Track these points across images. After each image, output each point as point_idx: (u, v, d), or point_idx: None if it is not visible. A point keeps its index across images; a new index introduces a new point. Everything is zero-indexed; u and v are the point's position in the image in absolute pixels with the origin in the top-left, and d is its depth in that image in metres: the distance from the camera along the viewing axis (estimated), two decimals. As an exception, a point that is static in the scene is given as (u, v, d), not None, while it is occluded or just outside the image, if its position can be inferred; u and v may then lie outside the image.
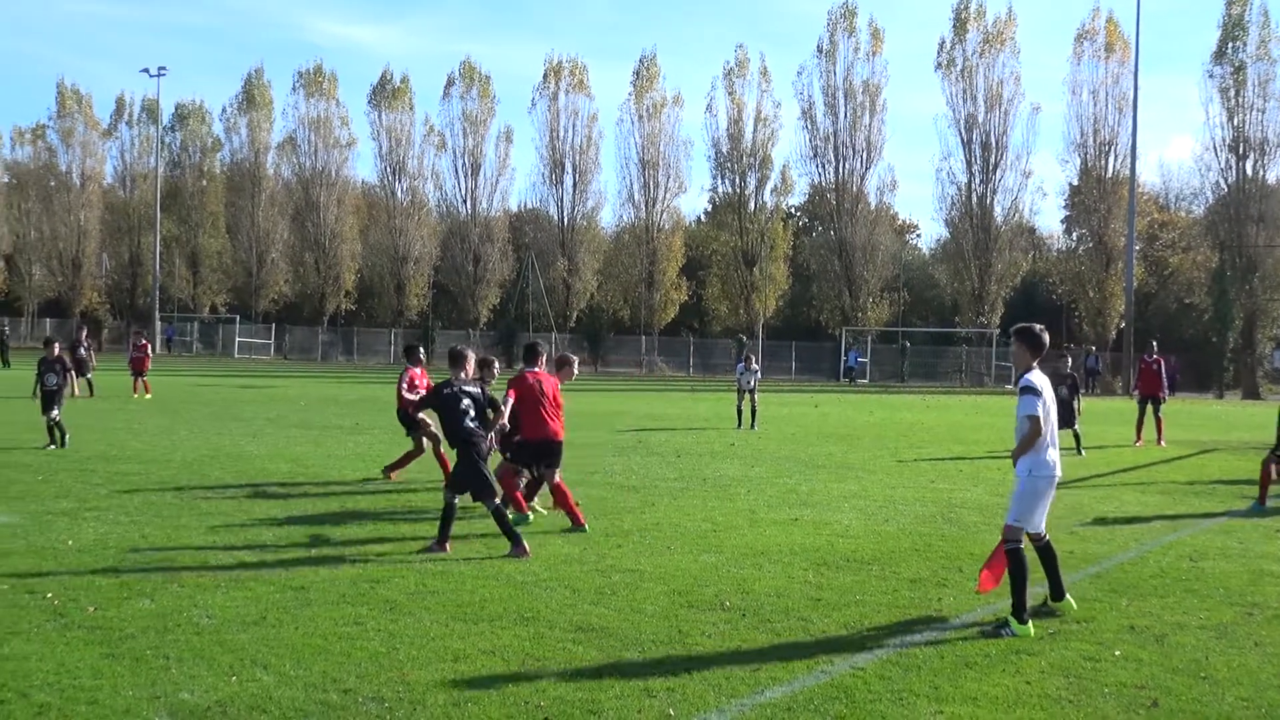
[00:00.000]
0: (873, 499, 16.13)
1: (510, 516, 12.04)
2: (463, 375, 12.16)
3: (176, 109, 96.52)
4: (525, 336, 75.52)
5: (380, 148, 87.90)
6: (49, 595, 9.15)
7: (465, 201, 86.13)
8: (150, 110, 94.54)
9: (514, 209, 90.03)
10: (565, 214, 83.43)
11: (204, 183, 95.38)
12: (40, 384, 20.71)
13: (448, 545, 11.44)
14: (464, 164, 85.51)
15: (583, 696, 6.98)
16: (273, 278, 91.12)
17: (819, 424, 31.39)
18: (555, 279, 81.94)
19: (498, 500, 11.78)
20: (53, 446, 19.98)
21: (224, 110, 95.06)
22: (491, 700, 6.87)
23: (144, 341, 38.64)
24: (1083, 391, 23.41)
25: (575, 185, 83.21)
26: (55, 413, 20.33)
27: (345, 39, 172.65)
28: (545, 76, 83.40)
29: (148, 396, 35.02)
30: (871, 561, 11.45)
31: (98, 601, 9.01)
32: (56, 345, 21.24)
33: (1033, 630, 8.68)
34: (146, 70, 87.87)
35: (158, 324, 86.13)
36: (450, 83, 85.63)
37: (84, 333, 37.10)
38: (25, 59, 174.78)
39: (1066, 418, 23.40)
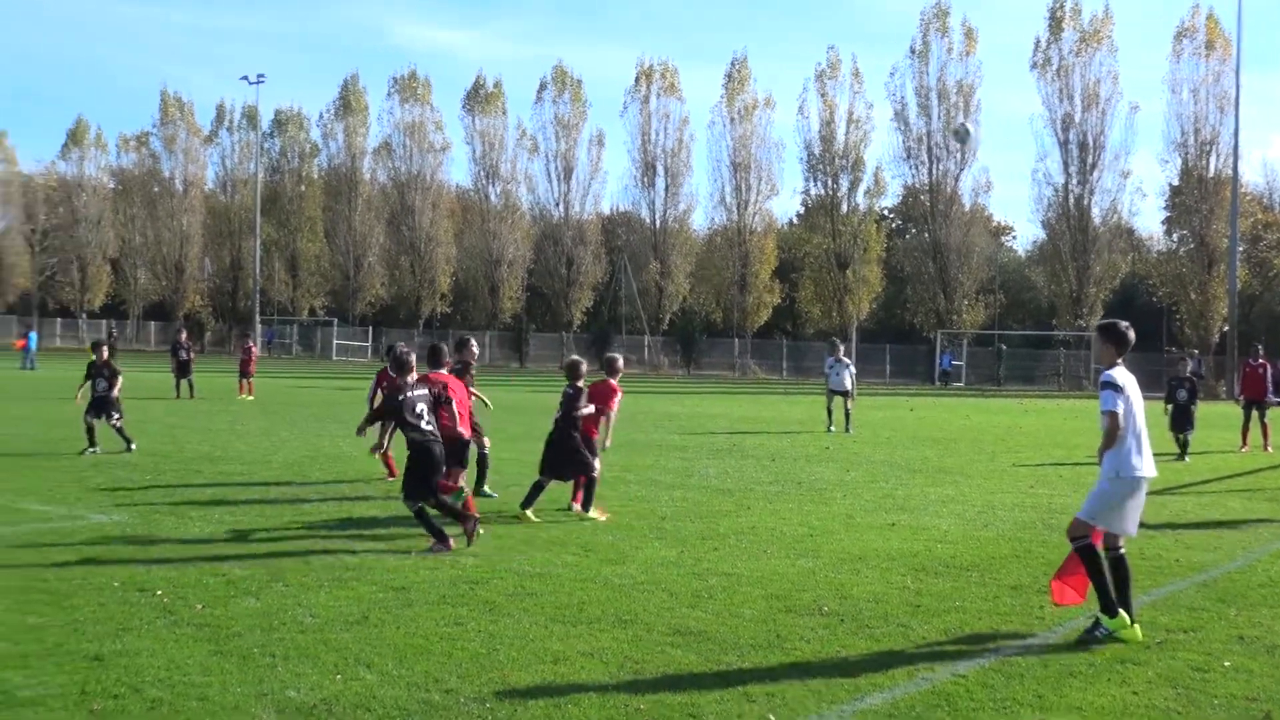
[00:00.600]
0: (970, 504, 15.95)
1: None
2: (410, 379, 12.19)
3: (275, 115, 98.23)
4: (619, 339, 75.80)
5: (474, 152, 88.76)
6: (158, 593, 9.35)
7: (558, 205, 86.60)
8: (250, 117, 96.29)
9: (606, 212, 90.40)
10: (657, 217, 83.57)
11: (302, 188, 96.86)
12: (92, 388, 20.29)
13: (451, 541, 11.56)
14: (556, 168, 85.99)
15: (682, 700, 6.98)
16: (369, 281, 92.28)
17: (914, 428, 31.12)
18: (648, 282, 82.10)
19: (421, 505, 11.72)
20: (93, 450, 19.35)
21: (321, 116, 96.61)
22: (591, 702, 6.90)
23: (250, 344, 39.42)
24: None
25: (667, 188, 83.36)
26: (116, 419, 19.98)
27: (438, 44, 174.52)
28: (636, 80, 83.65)
29: (250, 398, 35.65)
30: (971, 567, 11.33)
31: (205, 599, 9.19)
32: (105, 349, 20.90)
33: (1131, 624, 8.51)
34: (246, 78, 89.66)
35: (258, 326, 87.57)
36: (543, 87, 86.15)
37: (185, 335, 37.82)
38: (131, 69, 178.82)
39: (1184, 421, 22.95)
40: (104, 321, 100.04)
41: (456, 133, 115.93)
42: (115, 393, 20.17)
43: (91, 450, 19.38)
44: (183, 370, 35.95)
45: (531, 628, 8.60)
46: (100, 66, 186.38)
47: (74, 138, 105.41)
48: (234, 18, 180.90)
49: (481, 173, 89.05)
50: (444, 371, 13.46)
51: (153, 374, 49.37)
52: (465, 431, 13.21)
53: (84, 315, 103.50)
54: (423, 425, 11.81)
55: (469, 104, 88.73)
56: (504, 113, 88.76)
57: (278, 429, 25.51)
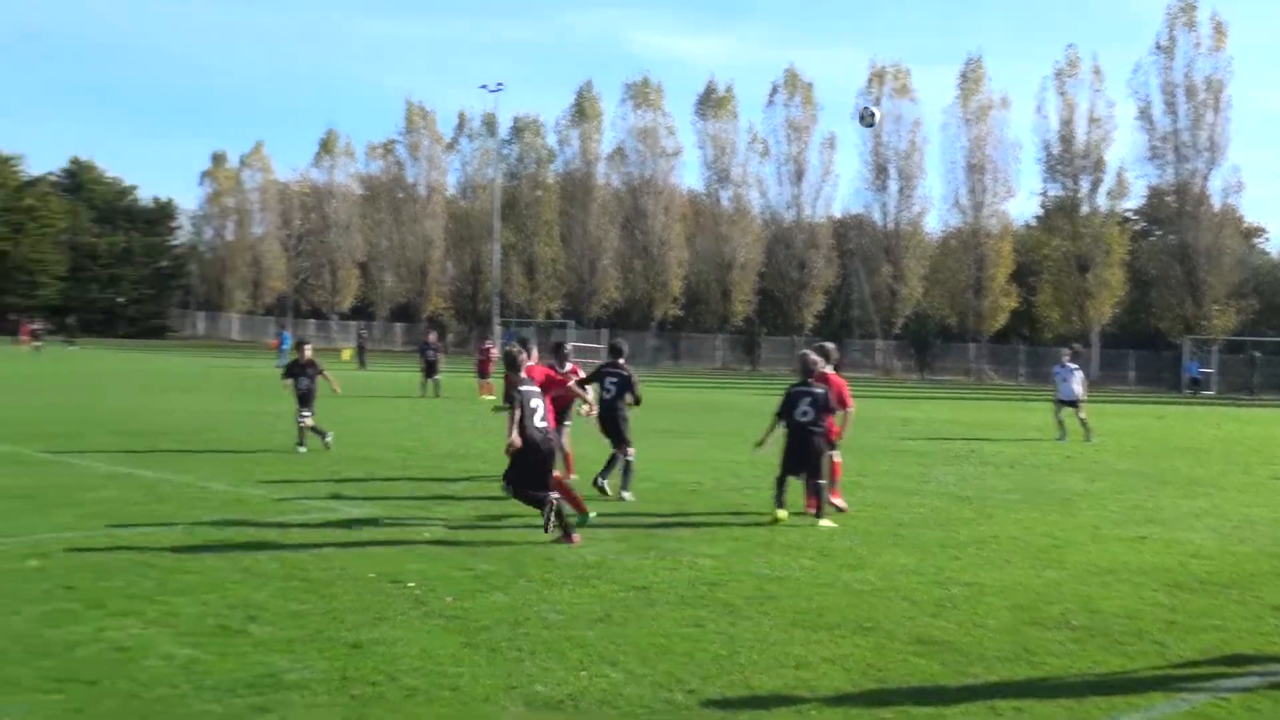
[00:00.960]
0: (1226, 517, 15.24)
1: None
2: (523, 375, 12.60)
3: (514, 122, 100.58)
4: (852, 343, 75.09)
5: (705, 156, 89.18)
6: (410, 584, 9.69)
7: (789, 208, 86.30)
8: (489, 124, 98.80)
9: (838, 215, 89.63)
10: (890, 219, 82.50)
11: (539, 192, 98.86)
12: (295, 386, 20.54)
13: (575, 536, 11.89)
14: (788, 171, 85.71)
15: (928, 711, 6.88)
16: (603, 284, 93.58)
17: (1162, 437, 29.89)
18: (880, 285, 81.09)
19: (553, 497, 12.06)
20: (303, 449, 19.82)
21: (557, 123, 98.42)
22: (834, 709, 6.86)
23: (488, 345, 40.50)
24: None
25: (900, 190, 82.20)
26: (308, 417, 20.21)
27: (671, 51, 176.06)
28: (869, 82, 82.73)
29: (490, 398, 36.61)
30: (1229, 585, 10.82)
31: (454, 593, 9.47)
32: (308, 348, 21.23)
33: None
34: (485, 86, 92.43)
35: (497, 328, 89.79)
36: (774, 90, 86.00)
37: (433, 336, 39.06)
38: (378, 81, 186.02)
39: None
40: (353, 322, 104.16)
41: (688, 137, 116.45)
42: (336, 389, 20.71)
43: (324, 440, 20.00)
44: (430, 370, 37.22)
45: (772, 631, 8.60)
46: (350, 80, 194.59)
47: (326, 147, 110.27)
48: (475, 29, 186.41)
49: (713, 176, 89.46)
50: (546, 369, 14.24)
51: (400, 373, 51.19)
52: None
53: (335, 316, 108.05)
54: (536, 421, 12.18)
55: (701, 108, 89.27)
56: (735, 116, 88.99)
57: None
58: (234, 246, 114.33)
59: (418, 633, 8.24)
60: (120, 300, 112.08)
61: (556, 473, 12.79)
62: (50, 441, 19.93)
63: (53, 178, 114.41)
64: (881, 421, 31.46)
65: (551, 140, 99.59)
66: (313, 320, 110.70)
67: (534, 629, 8.44)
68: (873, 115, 16.20)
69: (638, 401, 15.80)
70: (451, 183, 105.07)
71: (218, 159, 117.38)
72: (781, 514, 13.59)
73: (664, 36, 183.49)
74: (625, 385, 15.73)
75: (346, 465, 17.89)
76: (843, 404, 14.63)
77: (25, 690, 6.69)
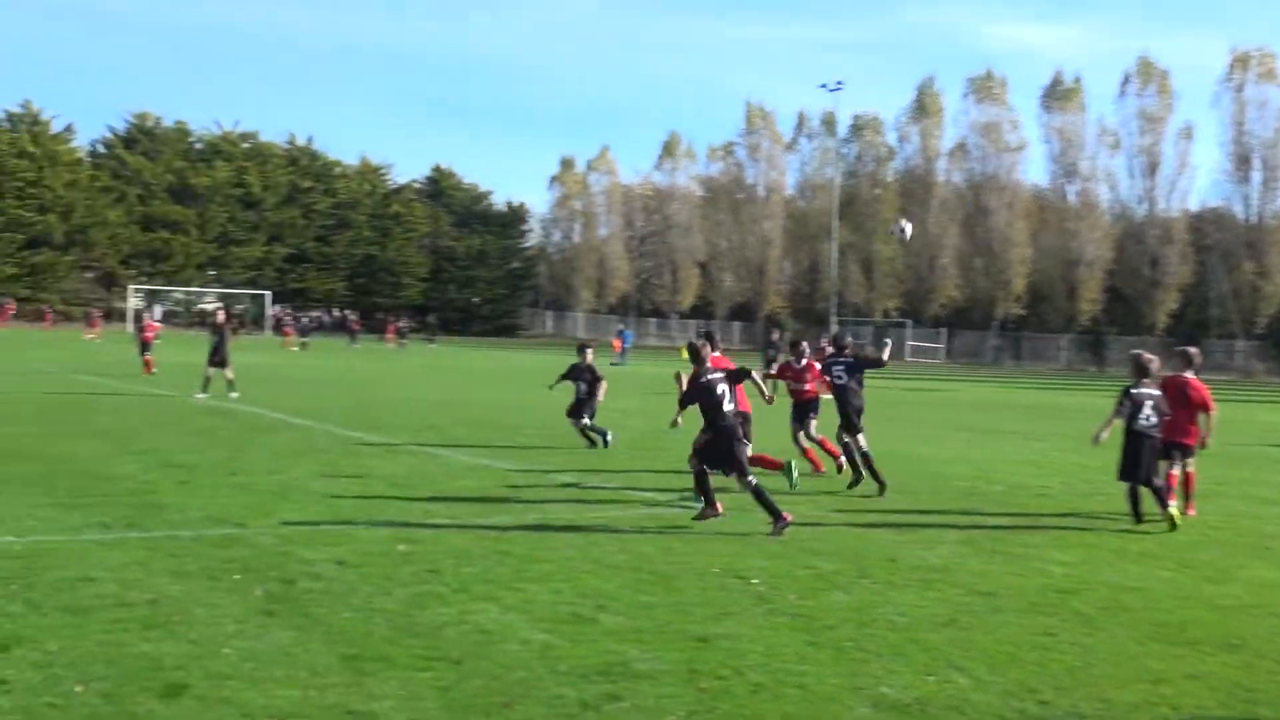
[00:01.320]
0: None
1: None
2: (708, 365, 13.01)
3: (853, 121, 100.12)
4: (1209, 344, 71.07)
5: (1051, 150, 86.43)
6: (754, 581, 9.79)
7: (1141, 202, 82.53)
8: (828, 123, 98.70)
9: (1194, 209, 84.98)
10: (1252, 212, 77.57)
11: (877, 191, 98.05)
12: (576, 389, 20.43)
13: (719, 506, 12.54)
14: (1140, 163, 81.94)
15: (1304, 736, 6.45)
16: (942, 283, 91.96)
17: None
18: (1241, 282, 76.32)
19: (752, 479, 12.38)
20: (611, 440, 19.77)
21: (897, 120, 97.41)
22: (1199, 728, 6.53)
23: (823, 344, 40.41)
24: None
25: (1264, 181, 77.19)
26: (585, 420, 20.07)
27: (1016, 42, 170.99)
28: (1229, 68, 78.04)
29: (826, 397, 36.54)
30: None
31: (797, 591, 9.51)
32: (589, 352, 20.95)
33: None
34: (825, 85, 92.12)
35: (834, 328, 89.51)
36: (1125, 80, 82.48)
37: (778, 335, 39.32)
38: (718, 83, 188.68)
39: None
40: (693, 321, 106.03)
41: (1033, 131, 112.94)
42: (599, 397, 20.25)
43: (606, 441, 19.89)
44: (768, 366, 37.44)
45: (1128, 643, 8.25)
46: (692, 83, 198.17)
47: (668, 149, 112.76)
48: (815, 29, 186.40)
49: (1059, 171, 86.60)
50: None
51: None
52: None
53: (675, 315, 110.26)
54: (724, 408, 12.53)
55: (1047, 101, 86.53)
56: (1083, 109, 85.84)
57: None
58: (580, 248, 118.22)
59: (762, 629, 8.32)
60: (475, 300, 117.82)
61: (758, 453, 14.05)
62: (417, 434, 21.13)
63: (416, 185, 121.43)
64: (1244, 426, 29.63)
65: (891, 138, 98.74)
66: (653, 319, 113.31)
67: (879, 630, 8.38)
68: (902, 230, 15.88)
69: (880, 364, 17.00)
70: (790, 183, 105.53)
71: (566, 164, 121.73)
72: (1174, 511, 13.04)
73: (1008, 28, 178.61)
74: (853, 367, 16.23)
75: (660, 460, 18.15)
76: (1205, 408, 13.89)
77: (398, 667, 7.13)
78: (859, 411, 15.90)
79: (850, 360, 16.37)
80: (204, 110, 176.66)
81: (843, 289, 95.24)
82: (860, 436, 15.68)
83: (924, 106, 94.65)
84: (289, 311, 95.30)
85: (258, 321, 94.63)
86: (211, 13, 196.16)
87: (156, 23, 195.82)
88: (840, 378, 16.15)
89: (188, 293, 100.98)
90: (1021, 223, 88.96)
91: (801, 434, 17.44)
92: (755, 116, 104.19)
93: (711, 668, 7.35)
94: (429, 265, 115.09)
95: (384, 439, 20.06)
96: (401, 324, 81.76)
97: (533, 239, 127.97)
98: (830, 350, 18.28)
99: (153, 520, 11.68)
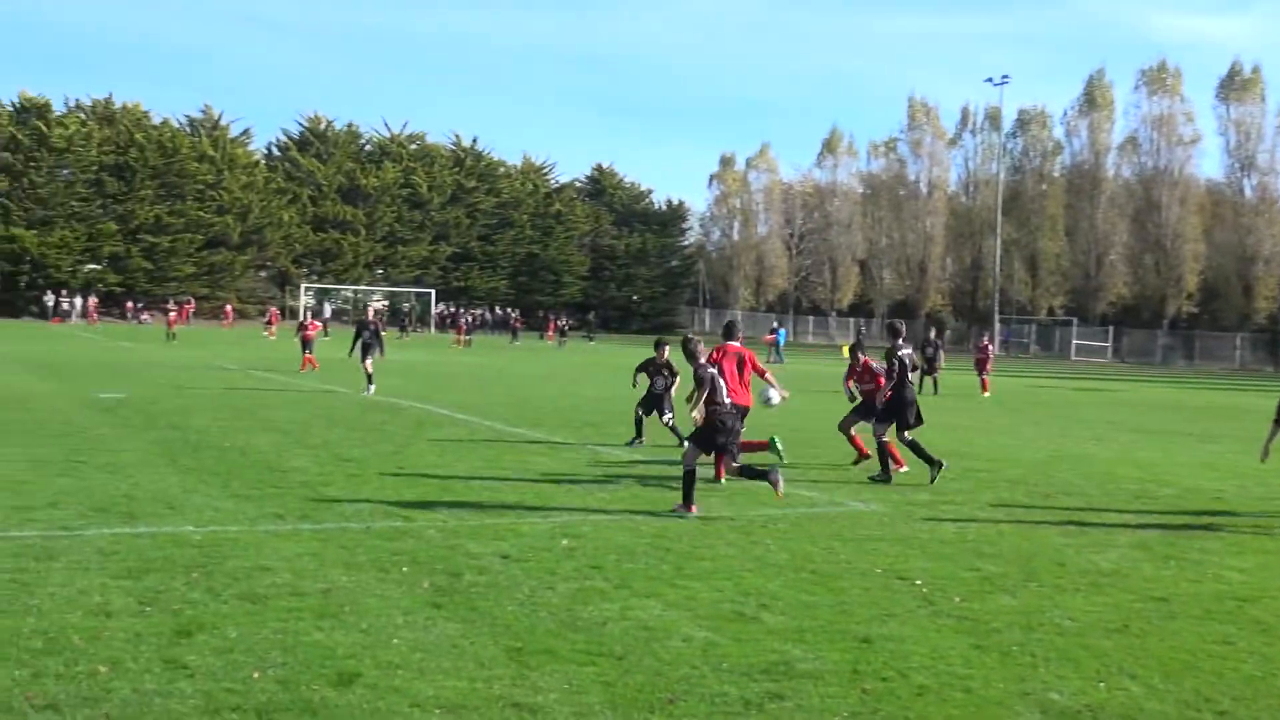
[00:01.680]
0: None
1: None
2: (703, 361, 13.64)
3: (1018, 115, 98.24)
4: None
5: (1228, 143, 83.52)
6: (917, 582, 9.67)
7: (1324, 196, 79.30)
8: (993, 118, 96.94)
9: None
10: None
11: (1043, 186, 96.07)
12: (651, 386, 19.72)
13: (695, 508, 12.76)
14: (1324, 156, 78.76)
15: None
16: (1111, 280, 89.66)
17: None
18: None
19: (737, 463, 13.23)
20: (639, 442, 19.32)
21: (1064, 114, 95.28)
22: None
23: (985, 343, 39.79)
24: None
25: None
26: (669, 418, 19.36)
27: (1189, 31, 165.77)
28: None
29: (987, 395, 35.94)
30: None
31: (962, 593, 9.36)
32: (667, 349, 19.65)
33: None
34: (990, 79, 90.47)
35: (996, 325, 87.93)
36: (1311, 68, 79.15)
37: (933, 333, 38.79)
38: (881, 78, 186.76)
39: None
40: (851, 319, 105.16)
41: (1207, 124, 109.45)
42: (672, 391, 19.68)
43: (638, 442, 19.38)
44: (928, 367, 36.85)
45: (1311, 656, 7.94)
46: (853, 78, 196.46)
47: (829, 146, 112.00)
48: (979, 22, 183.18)
49: (1236, 164, 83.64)
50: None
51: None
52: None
53: (833, 313, 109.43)
54: (720, 397, 13.20)
55: (1223, 93, 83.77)
56: (1262, 100, 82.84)
57: (1020, 428, 25.48)
58: (739, 245, 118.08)
59: (927, 631, 8.22)
60: (634, 298, 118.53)
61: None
62: (577, 431, 21.36)
63: (577, 184, 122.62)
64: None
65: (1058, 132, 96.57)
66: (811, 317, 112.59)
67: (1047, 635, 8.20)
68: (768, 400, 15.40)
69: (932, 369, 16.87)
70: (953, 179, 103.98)
71: (726, 161, 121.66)
72: None
73: (1182, 18, 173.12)
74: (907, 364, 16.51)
75: (849, 460, 18.01)
76: None
77: (562, 660, 7.22)
78: (913, 405, 16.29)
79: (907, 355, 16.61)
80: (373, 112, 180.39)
81: (1006, 286, 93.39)
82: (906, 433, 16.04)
83: (1093, 99, 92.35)
84: (462, 309, 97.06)
85: (423, 319, 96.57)
86: (381, 17, 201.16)
87: (329, 27, 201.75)
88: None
89: (356, 291, 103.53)
90: (1194, 218, 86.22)
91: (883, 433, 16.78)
92: (918, 111, 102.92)
93: (875, 669, 7.28)
94: (589, 263, 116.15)
95: (545, 435, 20.33)
96: (562, 321, 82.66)
97: (692, 237, 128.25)
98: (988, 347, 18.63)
99: (324, 512, 12.02)
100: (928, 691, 6.91)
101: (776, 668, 7.22)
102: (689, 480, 12.90)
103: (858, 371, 17.68)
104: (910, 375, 16.54)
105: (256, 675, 6.72)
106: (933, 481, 15.41)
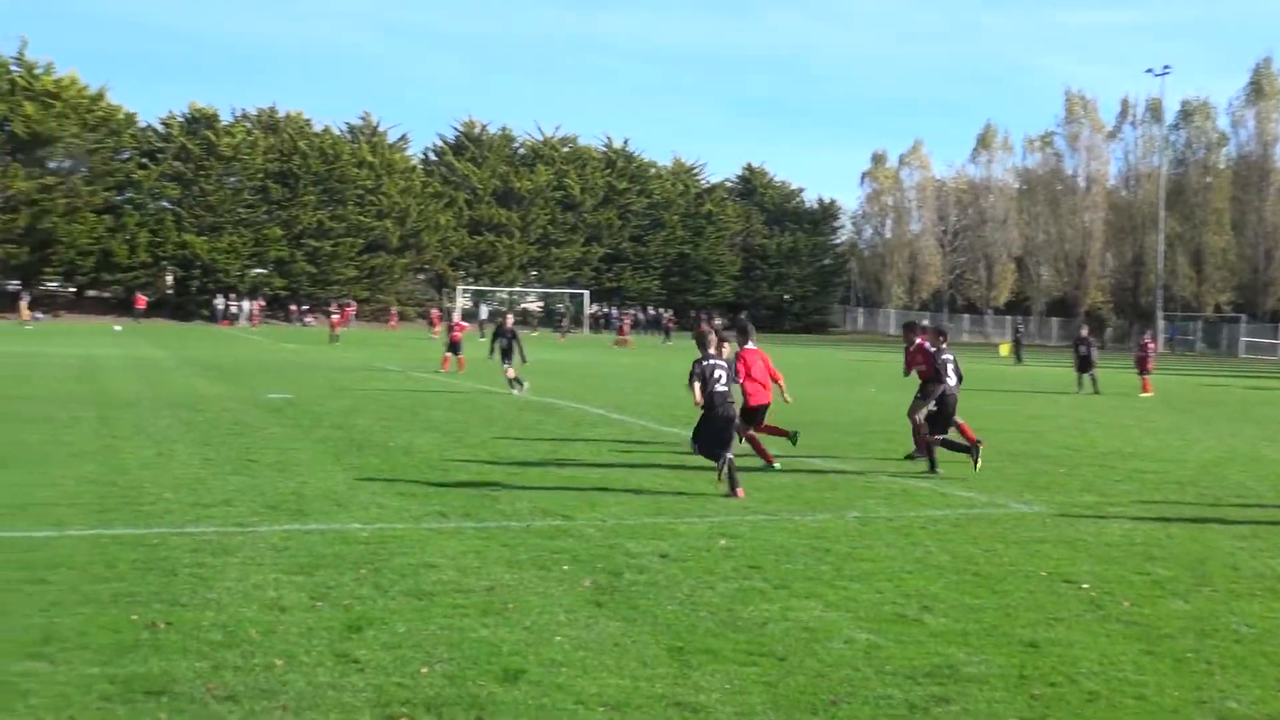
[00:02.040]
0: None
1: None
2: (710, 351, 14.07)
3: (1181, 107, 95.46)
4: None
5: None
6: (1084, 586, 9.45)
7: None
8: (1154, 110, 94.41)
9: None
10: None
11: (1208, 179, 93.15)
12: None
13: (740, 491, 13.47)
14: None
15: None
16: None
17: None
18: None
19: (730, 455, 13.68)
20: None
21: (1230, 104, 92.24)
22: None
23: (1147, 340, 38.66)
24: None
25: None
26: None
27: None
28: None
29: (1147, 395, 34.90)
30: None
31: (1131, 597, 9.13)
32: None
33: None
34: (1151, 70, 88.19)
35: (1160, 323, 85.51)
36: None
37: (1086, 331, 37.88)
38: (1037, 71, 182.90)
39: None
40: (1008, 317, 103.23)
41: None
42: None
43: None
44: (1083, 365, 35.99)
45: None
46: (1008, 73, 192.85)
47: (983, 142, 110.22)
48: (1138, 12, 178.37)
49: None
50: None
51: (1058, 369, 50.09)
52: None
53: (989, 311, 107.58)
54: (717, 388, 13.78)
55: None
56: None
57: (1188, 427, 24.72)
58: (892, 244, 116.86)
59: (1095, 636, 8.03)
60: (786, 297, 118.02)
61: (751, 431, 16.11)
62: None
63: (728, 184, 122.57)
64: None
65: (1223, 123, 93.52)
66: (966, 315, 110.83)
67: (1223, 641, 7.95)
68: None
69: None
70: (1113, 172, 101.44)
71: (877, 159, 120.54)
72: None
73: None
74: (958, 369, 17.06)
75: (1011, 462, 17.69)
76: None
77: (723, 660, 7.23)
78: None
79: (952, 357, 17.17)
80: (526, 116, 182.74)
81: (1169, 282, 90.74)
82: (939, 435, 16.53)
83: (1260, 89, 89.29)
84: (616, 310, 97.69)
85: (577, 320, 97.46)
86: (533, 24, 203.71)
87: (482, 35, 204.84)
88: (951, 376, 16.86)
89: (511, 293, 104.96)
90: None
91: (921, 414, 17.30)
92: (1075, 105, 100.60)
93: (1043, 674, 7.14)
94: (740, 263, 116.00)
95: (685, 431, 20.32)
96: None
97: (844, 235, 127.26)
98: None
99: (486, 510, 12.21)
100: (1098, 698, 6.75)
101: (941, 671, 7.12)
102: (730, 469, 13.64)
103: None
104: (949, 380, 16.78)
105: (425, 670, 6.86)
106: (976, 466, 16.03)
